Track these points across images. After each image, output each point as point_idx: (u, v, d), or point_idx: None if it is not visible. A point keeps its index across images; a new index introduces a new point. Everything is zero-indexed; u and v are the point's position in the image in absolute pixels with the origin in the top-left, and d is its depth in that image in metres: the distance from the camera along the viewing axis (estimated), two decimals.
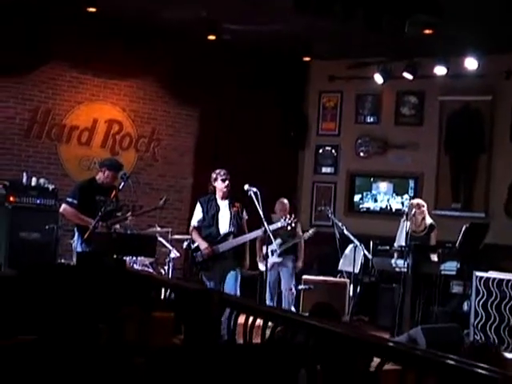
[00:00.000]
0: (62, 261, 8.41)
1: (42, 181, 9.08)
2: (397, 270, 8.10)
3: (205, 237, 7.21)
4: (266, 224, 7.10)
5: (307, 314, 5.76)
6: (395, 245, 8.30)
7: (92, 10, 9.01)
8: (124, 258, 5.74)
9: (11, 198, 8.71)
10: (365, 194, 11.49)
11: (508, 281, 7.66)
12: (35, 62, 9.60)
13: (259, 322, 3.66)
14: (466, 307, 8.40)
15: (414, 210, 8.29)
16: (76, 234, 7.23)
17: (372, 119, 11.50)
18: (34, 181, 9.01)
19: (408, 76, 10.41)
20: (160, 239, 8.61)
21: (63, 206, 7.28)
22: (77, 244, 7.16)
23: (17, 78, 9.52)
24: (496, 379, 2.43)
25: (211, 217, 7.22)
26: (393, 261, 8.18)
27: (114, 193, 7.01)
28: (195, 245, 7.30)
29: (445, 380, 2.63)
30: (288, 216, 7.73)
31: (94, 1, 8.76)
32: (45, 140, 9.79)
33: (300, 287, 8.99)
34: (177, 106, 10.77)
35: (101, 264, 4.75)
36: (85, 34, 9.58)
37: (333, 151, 11.70)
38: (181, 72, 10.43)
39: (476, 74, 10.07)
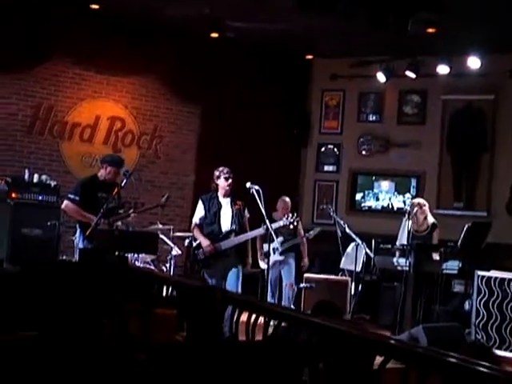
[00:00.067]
0: (64, 257, 8.42)
1: (44, 177, 9.08)
2: (398, 268, 8.11)
3: (207, 234, 7.20)
4: (267, 222, 7.10)
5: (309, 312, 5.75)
6: (397, 243, 8.31)
7: (95, 7, 9.05)
8: (126, 254, 5.74)
9: (13, 195, 8.70)
10: (367, 192, 11.48)
11: (510, 280, 7.63)
12: (35, 59, 9.60)
13: (261, 320, 3.66)
14: (467, 306, 8.38)
15: (415, 210, 8.30)
16: (78, 231, 7.21)
17: (374, 118, 11.49)
18: (36, 177, 9.01)
19: (411, 75, 10.40)
20: (162, 236, 8.60)
21: (65, 202, 7.26)
22: (79, 241, 7.15)
23: (19, 74, 9.53)
24: (498, 377, 2.43)
25: (213, 214, 7.20)
26: (394, 259, 8.18)
27: (116, 190, 6.98)
28: (197, 242, 7.28)
29: (447, 378, 2.63)
30: (290, 214, 7.74)
31: None
32: (47, 137, 9.79)
33: (301, 286, 8.98)
34: (179, 104, 10.76)
35: (103, 261, 4.75)
36: (88, 30, 9.58)
37: (335, 149, 11.69)
38: (183, 69, 10.43)
39: (479, 73, 10.05)
